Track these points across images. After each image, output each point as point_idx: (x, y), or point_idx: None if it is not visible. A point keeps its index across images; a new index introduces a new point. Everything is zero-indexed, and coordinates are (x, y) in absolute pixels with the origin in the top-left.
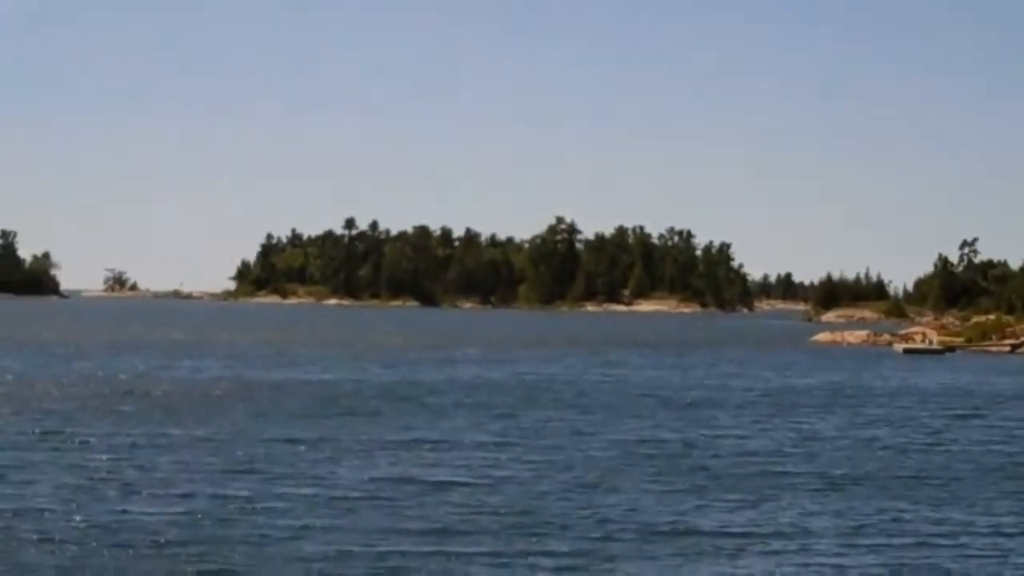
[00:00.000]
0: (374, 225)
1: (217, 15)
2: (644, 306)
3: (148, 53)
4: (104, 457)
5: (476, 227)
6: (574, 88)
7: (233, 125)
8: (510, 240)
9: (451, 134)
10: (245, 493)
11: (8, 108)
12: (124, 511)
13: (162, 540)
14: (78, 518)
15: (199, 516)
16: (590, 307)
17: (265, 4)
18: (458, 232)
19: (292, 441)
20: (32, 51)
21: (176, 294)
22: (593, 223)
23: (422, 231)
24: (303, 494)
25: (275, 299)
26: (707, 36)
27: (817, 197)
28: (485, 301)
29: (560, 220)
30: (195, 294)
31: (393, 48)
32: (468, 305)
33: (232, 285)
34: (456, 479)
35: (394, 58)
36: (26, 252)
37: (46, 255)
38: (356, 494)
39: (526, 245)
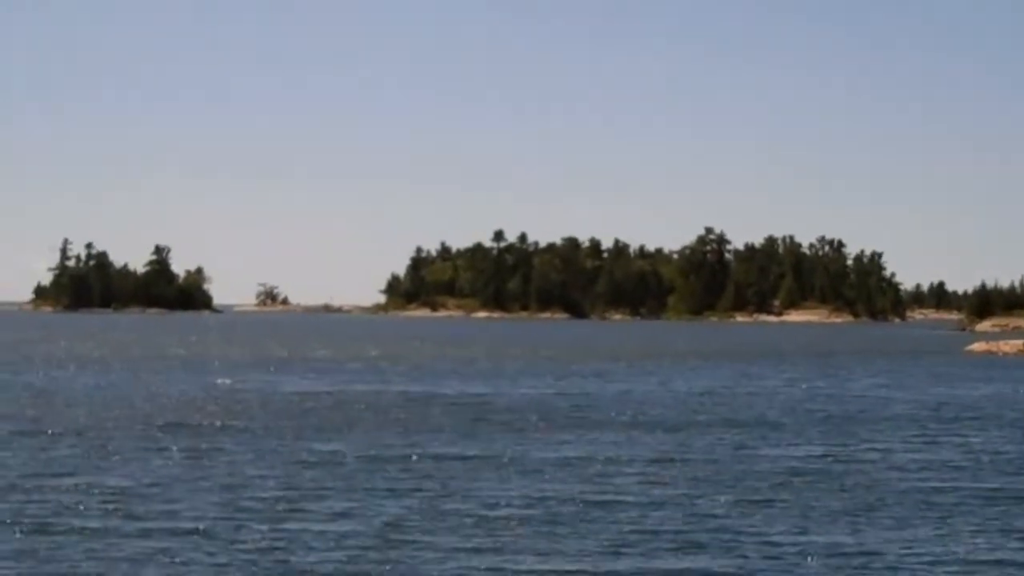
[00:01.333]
0: (523, 237)
1: (366, 27)
2: (795, 316)
3: (297, 71)
4: (266, 474)
5: (625, 238)
6: (724, 99)
7: (383, 139)
8: (659, 251)
9: (600, 145)
10: (408, 511)
11: (169, 130)
12: (289, 531)
13: (331, 559)
14: (245, 539)
15: (364, 535)
16: (740, 318)
17: (409, 17)
18: (607, 243)
19: (454, 458)
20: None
21: (326, 308)
22: (743, 233)
23: (571, 243)
24: (465, 511)
25: (425, 312)
26: (852, 42)
27: (971, 204)
28: (634, 312)
29: (709, 230)
30: (345, 308)
31: (545, 58)
32: (617, 317)
33: (382, 298)
34: (618, 497)
35: (546, 69)
36: (179, 267)
37: (199, 270)
38: (518, 512)
39: (675, 256)
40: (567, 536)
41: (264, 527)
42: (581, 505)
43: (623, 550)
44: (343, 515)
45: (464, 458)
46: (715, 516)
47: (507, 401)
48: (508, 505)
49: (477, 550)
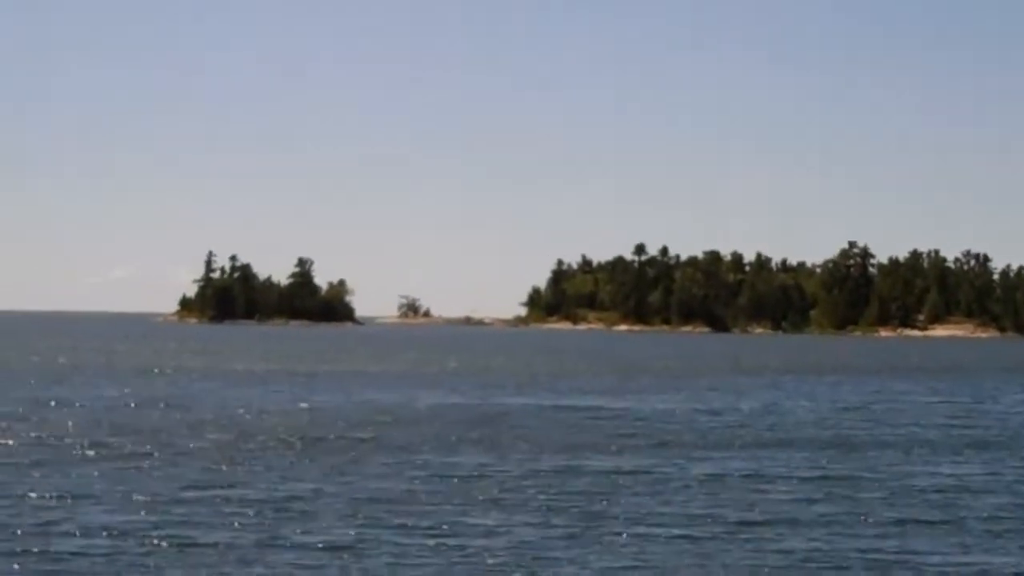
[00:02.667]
0: (664, 251)
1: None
2: (939, 331)
3: (439, 79)
4: (415, 489)
5: (767, 252)
6: (867, 113)
7: (526, 152)
8: (802, 265)
9: (741, 159)
10: (557, 527)
11: (313, 143)
12: (440, 547)
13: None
14: (397, 554)
15: (511, 552)
16: (884, 332)
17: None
18: (749, 257)
19: (603, 473)
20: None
21: (467, 320)
22: (886, 247)
23: (713, 256)
24: (615, 529)
25: (566, 325)
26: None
27: None
28: (776, 326)
29: (852, 244)
30: (487, 320)
31: (687, 73)
32: (759, 330)
33: (523, 311)
34: (766, 517)
35: (689, 81)
36: (322, 280)
37: (341, 282)
38: (668, 532)
39: (818, 270)
40: (714, 556)
41: (412, 541)
42: (728, 525)
43: (765, 571)
44: (490, 532)
45: (614, 473)
46: (869, 536)
47: (653, 416)
48: (659, 524)
49: (629, 569)
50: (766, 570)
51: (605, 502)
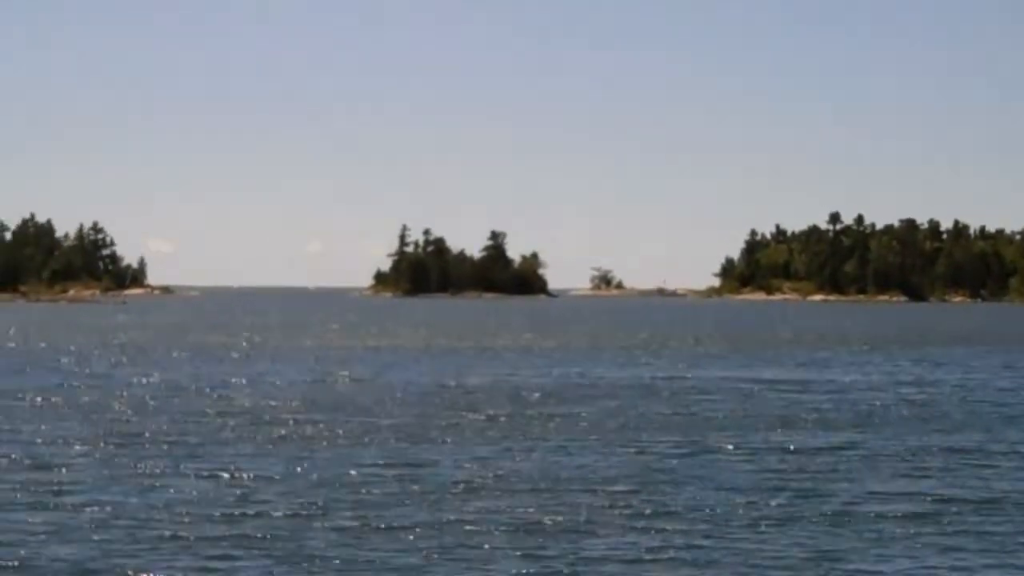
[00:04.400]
0: (859, 219)
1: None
2: None
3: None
4: (620, 473)
5: (964, 219)
6: None
7: (716, 124)
8: (1000, 232)
9: (936, 121)
10: (763, 506)
11: (504, 111)
12: (647, 531)
13: (681, 558)
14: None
15: (717, 532)
16: None
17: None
18: (946, 225)
19: (811, 451)
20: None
21: (660, 292)
22: None
23: (909, 225)
24: (825, 508)
25: (760, 296)
26: None
27: None
28: (975, 295)
29: None
30: (679, 291)
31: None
32: (957, 299)
33: (716, 282)
34: (1003, 493)
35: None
36: (515, 253)
37: (534, 255)
38: (881, 509)
39: (1017, 237)
40: (950, 536)
41: (627, 523)
42: (965, 504)
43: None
44: (690, 508)
45: (822, 451)
46: None
47: (854, 389)
48: (881, 502)
49: (841, 551)
50: (999, 545)
51: (819, 482)
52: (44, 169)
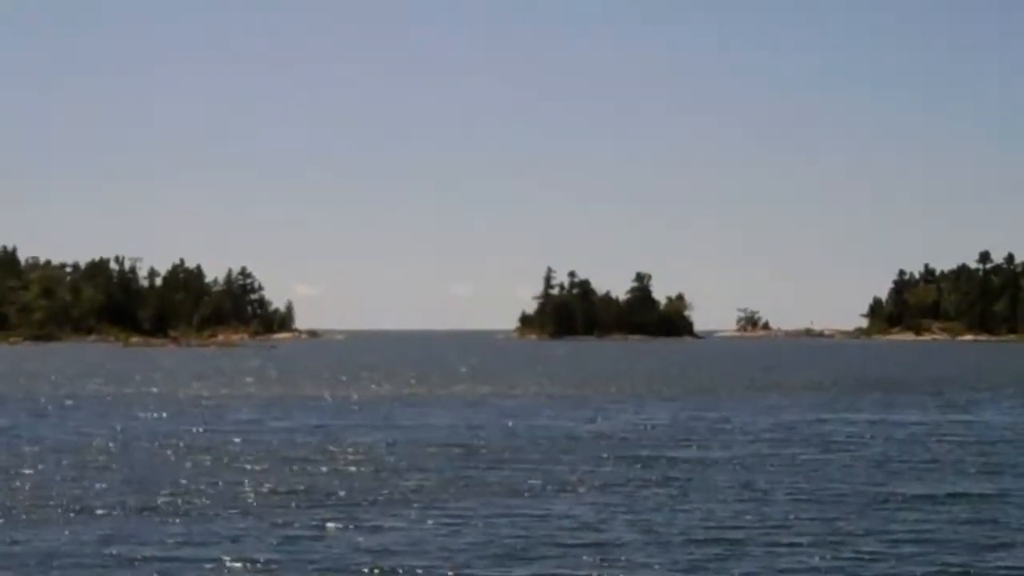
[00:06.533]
0: (1010, 258)
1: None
2: None
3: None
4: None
5: None
6: None
7: (868, 157)
8: None
9: None
10: (888, 558)
11: (647, 166)
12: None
13: None
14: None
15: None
16: None
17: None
18: None
19: (930, 500)
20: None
21: (807, 332)
22: None
23: None
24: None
25: (908, 336)
26: None
27: None
28: None
29: None
30: (826, 332)
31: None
32: None
33: (864, 322)
34: None
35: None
36: (660, 294)
37: (680, 296)
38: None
39: None
40: None
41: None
42: None
43: None
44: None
45: (942, 500)
46: None
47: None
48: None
49: None
50: None
51: (939, 530)
52: (194, 216)
